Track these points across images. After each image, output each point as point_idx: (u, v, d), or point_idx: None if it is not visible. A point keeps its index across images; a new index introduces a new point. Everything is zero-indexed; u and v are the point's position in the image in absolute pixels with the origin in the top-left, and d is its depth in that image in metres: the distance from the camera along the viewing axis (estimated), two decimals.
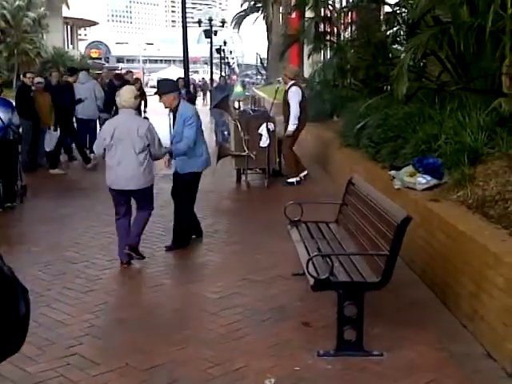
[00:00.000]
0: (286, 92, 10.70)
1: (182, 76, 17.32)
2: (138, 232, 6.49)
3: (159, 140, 6.47)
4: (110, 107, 15.03)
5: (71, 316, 5.05)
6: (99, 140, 6.47)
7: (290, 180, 10.69)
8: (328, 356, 4.29)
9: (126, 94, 6.33)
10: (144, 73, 72.22)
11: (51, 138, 13.12)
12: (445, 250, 5.21)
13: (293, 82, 10.73)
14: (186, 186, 7.00)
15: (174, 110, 6.87)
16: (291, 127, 10.56)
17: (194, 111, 6.86)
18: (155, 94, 6.93)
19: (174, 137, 6.87)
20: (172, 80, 7.70)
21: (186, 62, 17.00)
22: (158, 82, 7.76)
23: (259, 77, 57.86)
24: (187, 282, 5.94)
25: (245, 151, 10.37)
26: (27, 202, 9.56)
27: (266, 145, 10.26)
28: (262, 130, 10.30)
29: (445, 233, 5.22)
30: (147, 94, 18.03)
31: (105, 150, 6.31)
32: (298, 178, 10.69)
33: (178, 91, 7.01)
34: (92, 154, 14.10)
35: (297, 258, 5.05)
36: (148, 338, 4.62)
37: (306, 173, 10.82)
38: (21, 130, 10.00)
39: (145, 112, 15.75)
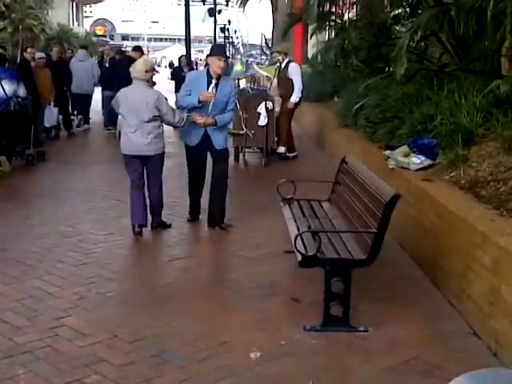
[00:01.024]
0: (285, 68, 10.70)
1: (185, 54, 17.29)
2: (159, 211, 6.84)
3: (172, 109, 6.62)
4: (112, 84, 15.02)
5: (62, 288, 5.08)
6: (115, 107, 6.78)
7: (279, 150, 10.97)
8: (314, 331, 4.32)
9: (138, 66, 6.51)
10: (149, 51, 71.94)
11: (51, 114, 13.16)
12: (435, 229, 5.22)
13: (289, 58, 10.80)
14: (225, 161, 6.93)
15: (217, 78, 6.65)
16: (294, 99, 10.63)
17: None
18: (224, 57, 6.74)
19: (214, 106, 6.62)
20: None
21: (188, 40, 16.94)
22: (217, 46, 7.63)
23: (264, 57, 57.58)
24: (178, 258, 5.96)
25: (243, 129, 10.37)
26: (24, 177, 9.60)
27: (264, 123, 10.25)
28: (261, 108, 10.28)
29: (436, 212, 5.23)
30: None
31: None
32: (291, 154, 10.77)
33: None
34: (86, 125, 14.76)
35: (289, 236, 5.06)
36: (137, 312, 4.65)
37: (295, 154, 10.94)
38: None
39: None
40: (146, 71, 6.48)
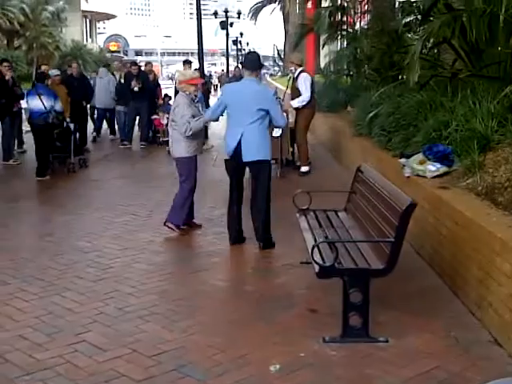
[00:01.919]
0: (295, 79, 10.70)
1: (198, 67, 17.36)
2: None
3: (191, 115, 6.94)
4: (125, 99, 15.15)
5: (81, 304, 5.10)
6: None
7: (302, 169, 10.72)
8: (333, 342, 4.29)
9: (180, 78, 7.34)
10: (162, 65, 72.39)
11: None
12: (453, 237, 5.18)
13: (301, 68, 10.77)
14: (269, 173, 6.61)
15: None
16: (295, 103, 10.57)
17: None
18: (259, 67, 6.67)
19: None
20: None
21: (200, 53, 16.98)
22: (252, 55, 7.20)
23: (276, 68, 57.76)
24: (196, 271, 5.97)
25: None
26: (41, 195, 9.68)
27: (278, 135, 10.23)
28: None
29: (453, 220, 5.20)
30: (162, 85, 18.19)
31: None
32: (307, 170, 10.75)
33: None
34: (111, 135, 16.10)
35: (305, 247, 5.05)
36: (155, 326, 4.66)
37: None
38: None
39: (158, 104, 15.75)
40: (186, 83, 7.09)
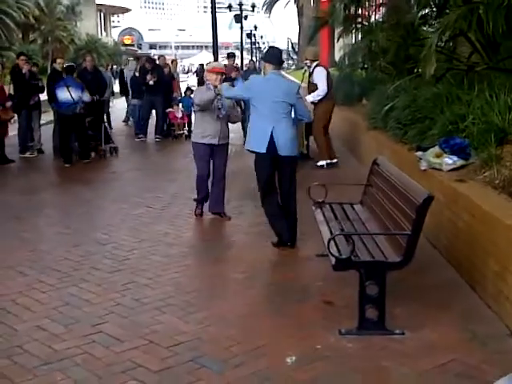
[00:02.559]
0: (311, 74, 10.66)
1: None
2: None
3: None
4: (140, 92, 15.23)
5: (97, 295, 5.14)
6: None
7: (319, 163, 10.69)
8: (350, 335, 4.30)
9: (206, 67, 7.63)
10: (176, 59, 72.36)
11: None
12: (470, 230, 5.16)
13: (316, 62, 10.72)
14: (295, 169, 6.57)
15: None
16: (310, 97, 10.51)
17: None
18: (282, 61, 6.87)
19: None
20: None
21: (215, 47, 17.01)
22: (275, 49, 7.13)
23: (290, 61, 57.60)
24: (212, 263, 6.00)
25: None
26: (58, 188, 9.75)
27: None
28: None
29: (470, 213, 5.18)
30: (180, 79, 18.31)
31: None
32: (327, 161, 10.68)
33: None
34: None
35: (321, 240, 5.05)
36: (172, 317, 4.68)
37: (335, 161, 10.78)
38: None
39: (174, 98, 15.80)
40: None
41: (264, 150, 6.19)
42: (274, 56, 6.52)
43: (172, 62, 17.73)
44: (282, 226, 6.36)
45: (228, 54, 16.22)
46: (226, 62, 15.55)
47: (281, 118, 6.18)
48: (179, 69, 28.31)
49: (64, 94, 11.56)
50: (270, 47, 7.38)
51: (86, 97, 11.90)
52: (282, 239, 6.34)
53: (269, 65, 6.43)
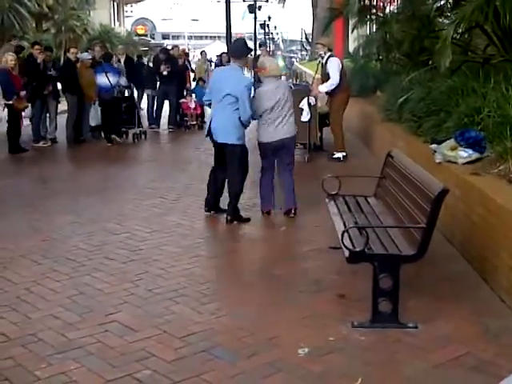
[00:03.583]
0: (325, 64, 10.60)
1: (226, 51, 17.35)
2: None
3: None
4: (153, 83, 15.25)
5: (111, 285, 5.16)
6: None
7: (336, 155, 10.63)
8: (362, 327, 4.29)
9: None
10: (189, 49, 72.19)
11: (96, 113, 13.35)
12: (484, 223, 5.14)
13: (330, 53, 10.64)
14: (239, 157, 7.00)
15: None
16: (323, 87, 10.46)
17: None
18: (245, 54, 7.16)
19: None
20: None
21: (228, 37, 16.97)
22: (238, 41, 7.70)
23: (304, 52, 57.34)
24: (224, 254, 6.01)
25: None
26: (71, 177, 9.79)
27: (306, 119, 10.19)
28: (303, 104, 10.21)
29: (484, 206, 5.15)
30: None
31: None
32: (344, 153, 10.63)
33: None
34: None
35: (334, 232, 5.04)
36: (185, 308, 4.69)
37: (344, 154, 10.73)
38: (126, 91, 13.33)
39: (187, 90, 15.79)
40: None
41: (205, 134, 7.10)
42: (234, 49, 7.35)
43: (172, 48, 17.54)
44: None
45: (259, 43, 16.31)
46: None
47: (225, 106, 6.75)
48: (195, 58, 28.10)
49: (103, 80, 12.52)
50: (236, 39, 7.82)
51: (123, 81, 13.07)
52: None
53: (231, 57, 7.10)
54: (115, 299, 4.85)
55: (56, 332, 4.29)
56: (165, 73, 14.52)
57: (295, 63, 28.44)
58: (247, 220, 6.95)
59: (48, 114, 12.89)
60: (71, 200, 8.25)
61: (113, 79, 12.63)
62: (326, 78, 10.57)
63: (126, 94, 13.36)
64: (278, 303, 4.78)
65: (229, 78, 6.78)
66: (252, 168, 7.28)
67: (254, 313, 4.60)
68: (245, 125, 6.83)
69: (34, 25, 43.82)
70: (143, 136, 13.53)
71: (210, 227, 7.03)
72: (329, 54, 10.64)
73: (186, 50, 21.96)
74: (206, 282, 5.27)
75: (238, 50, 7.10)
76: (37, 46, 12.56)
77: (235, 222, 6.90)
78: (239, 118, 6.71)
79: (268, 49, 15.33)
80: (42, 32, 43.56)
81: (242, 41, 7.36)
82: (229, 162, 6.94)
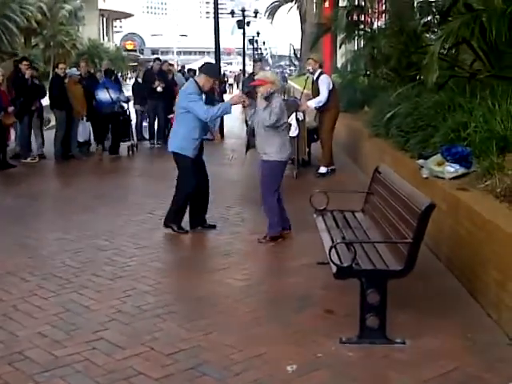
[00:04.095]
0: (316, 81, 10.63)
1: None
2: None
3: None
4: (143, 98, 15.24)
5: (98, 302, 5.13)
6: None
7: (320, 170, 10.66)
8: (350, 343, 4.29)
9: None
10: (178, 64, 72.33)
11: (84, 129, 13.34)
12: (471, 238, 5.16)
13: (320, 70, 10.68)
14: (182, 167, 7.18)
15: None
16: (311, 103, 10.48)
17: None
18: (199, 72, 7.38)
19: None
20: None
21: (217, 53, 17.00)
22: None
23: (292, 68, 57.67)
24: (212, 270, 5.99)
25: None
26: (59, 193, 9.75)
27: (294, 134, 10.21)
28: (292, 119, 10.24)
29: (471, 221, 5.18)
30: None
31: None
32: (330, 167, 10.67)
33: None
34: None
35: (322, 247, 5.05)
36: (172, 324, 4.67)
37: (333, 167, 10.77)
38: (126, 105, 13.99)
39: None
40: None
41: None
42: (207, 66, 7.61)
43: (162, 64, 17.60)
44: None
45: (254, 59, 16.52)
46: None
47: (178, 119, 7.13)
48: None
49: (104, 95, 13.01)
50: (207, 63, 8.68)
51: (123, 97, 13.68)
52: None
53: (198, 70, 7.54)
54: (102, 316, 4.83)
55: (43, 350, 4.26)
56: (159, 89, 14.48)
57: (289, 82, 28.42)
58: (182, 230, 7.13)
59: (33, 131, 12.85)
60: (59, 216, 8.22)
61: (114, 95, 13.14)
62: (317, 94, 10.60)
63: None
64: (266, 319, 4.77)
65: (180, 92, 7.30)
66: (243, 183, 7.27)
67: (243, 329, 4.59)
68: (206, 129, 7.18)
69: (22, 40, 43.85)
70: (135, 149, 13.88)
71: (198, 244, 7.01)
72: (319, 70, 10.65)
73: (171, 62, 22.03)
74: (194, 298, 5.25)
75: (210, 68, 7.45)
76: (25, 62, 12.55)
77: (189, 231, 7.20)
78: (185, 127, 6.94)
79: (261, 64, 15.33)
80: (30, 47, 43.62)
81: (218, 66, 7.82)
82: (179, 170, 7.19)
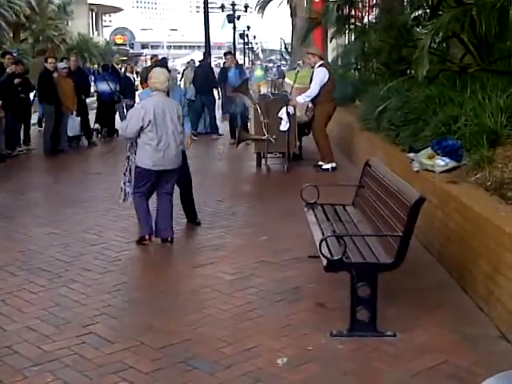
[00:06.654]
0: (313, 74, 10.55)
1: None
2: (171, 224, 6.66)
3: None
4: (132, 93, 15.28)
5: (88, 296, 5.11)
6: (132, 123, 6.29)
7: (324, 166, 10.47)
8: (341, 336, 4.29)
9: (160, 76, 6.34)
10: (169, 59, 72.13)
11: (73, 123, 13.28)
12: (461, 232, 5.17)
13: (321, 62, 10.60)
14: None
15: None
16: (299, 98, 10.41)
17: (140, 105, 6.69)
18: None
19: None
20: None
21: (207, 47, 16.97)
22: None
23: (283, 62, 57.55)
24: (203, 264, 5.97)
25: (265, 135, 10.35)
26: (48, 187, 9.71)
27: (285, 128, 10.21)
28: (282, 113, 10.25)
29: (461, 215, 5.18)
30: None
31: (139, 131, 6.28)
32: (333, 164, 10.53)
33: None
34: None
35: (313, 241, 5.04)
36: (163, 318, 4.66)
37: (334, 165, 10.66)
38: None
39: None
40: (168, 80, 6.43)
41: None
42: None
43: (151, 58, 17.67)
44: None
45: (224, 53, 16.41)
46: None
47: None
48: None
49: (104, 86, 14.95)
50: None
51: (118, 87, 15.22)
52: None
53: None
54: (92, 311, 4.80)
55: (32, 344, 4.24)
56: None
57: (286, 80, 28.10)
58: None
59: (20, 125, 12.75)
60: (48, 211, 8.18)
61: (112, 85, 14.90)
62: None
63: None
64: (256, 313, 4.76)
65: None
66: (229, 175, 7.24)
67: (233, 323, 4.58)
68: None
69: (11, 35, 43.53)
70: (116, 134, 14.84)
71: (189, 238, 6.99)
72: (319, 62, 10.57)
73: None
74: (185, 292, 5.24)
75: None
76: (8, 56, 12.46)
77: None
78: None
79: (235, 57, 15.20)
80: (19, 42, 43.28)
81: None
82: None
